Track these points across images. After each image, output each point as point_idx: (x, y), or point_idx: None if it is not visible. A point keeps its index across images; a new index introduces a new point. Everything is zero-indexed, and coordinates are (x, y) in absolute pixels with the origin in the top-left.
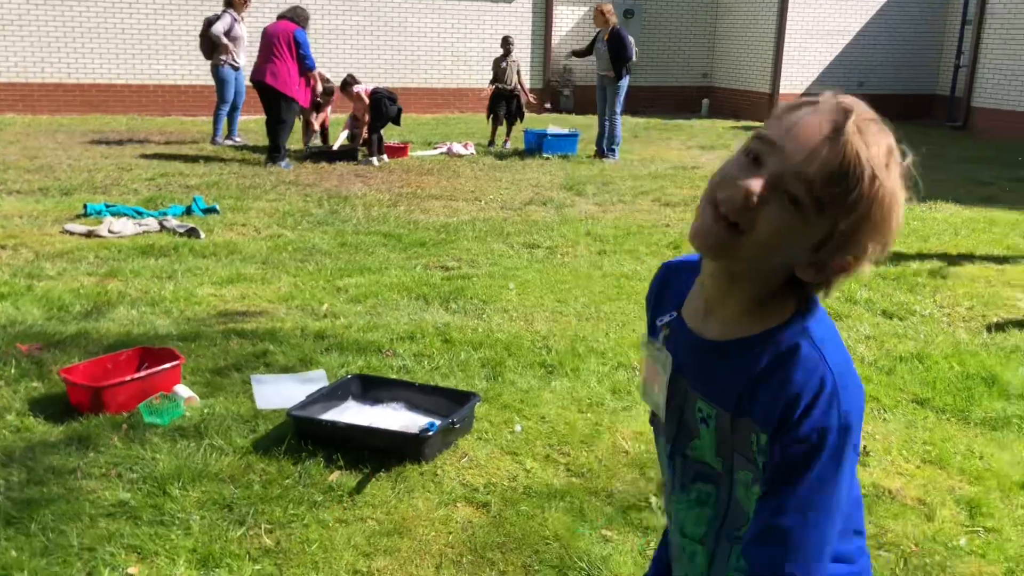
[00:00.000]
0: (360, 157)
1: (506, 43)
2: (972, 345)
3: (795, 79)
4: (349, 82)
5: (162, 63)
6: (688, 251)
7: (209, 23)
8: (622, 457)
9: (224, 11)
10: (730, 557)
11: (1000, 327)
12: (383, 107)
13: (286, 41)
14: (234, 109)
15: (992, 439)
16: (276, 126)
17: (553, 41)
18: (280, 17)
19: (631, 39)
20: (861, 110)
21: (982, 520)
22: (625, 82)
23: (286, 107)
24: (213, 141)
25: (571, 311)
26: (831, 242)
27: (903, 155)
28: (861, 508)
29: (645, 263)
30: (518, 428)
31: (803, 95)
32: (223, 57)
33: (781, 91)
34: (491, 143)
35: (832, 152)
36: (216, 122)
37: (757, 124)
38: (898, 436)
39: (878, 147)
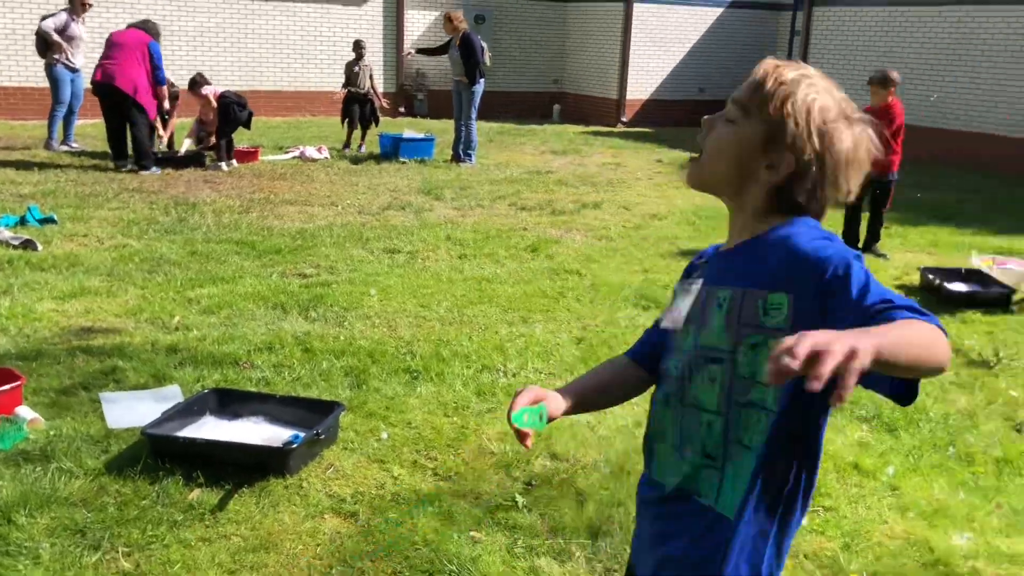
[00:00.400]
0: (208, 162)
1: (358, 47)
2: None
3: (640, 86)
4: (198, 81)
5: None
6: (545, 251)
7: (43, 20)
8: (488, 459)
9: (61, 10)
10: (740, 420)
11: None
12: (231, 112)
13: (140, 51)
14: (70, 112)
15: (830, 425)
16: (133, 131)
17: (404, 45)
18: (131, 26)
19: (483, 44)
20: (787, 62)
21: (820, 500)
22: (480, 87)
23: (138, 113)
24: (47, 146)
25: (434, 316)
26: (771, 145)
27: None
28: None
29: (505, 266)
30: (384, 436)
31: (646, 101)
32: (56, 56)
33: (628, 96)
34: (346, 147)
35: (753, 75)
36: (51, 125)
37: (606, 129)
38: None
39: (790, 69)
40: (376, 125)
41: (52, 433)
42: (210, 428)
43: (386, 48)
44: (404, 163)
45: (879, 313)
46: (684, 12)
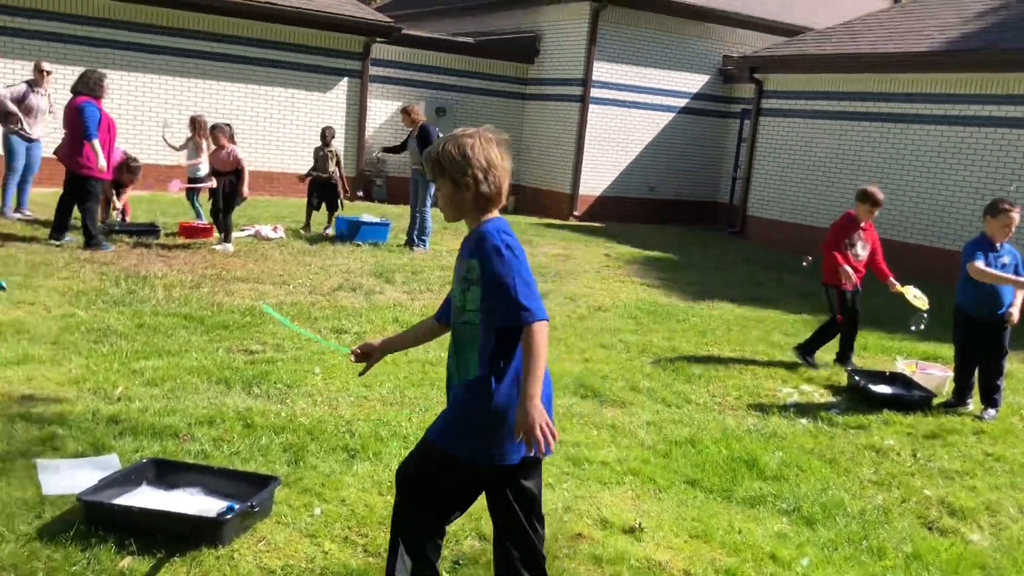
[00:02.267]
0: (216, 243)
1: (324, 135)
2: (738, 431)
3: (593, 182)
4: (225, 131)
5: None
6: None
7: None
8: None
9: (23, 81)
10: (462, 330)
11: (762, 414)
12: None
13: (72, 117)
14: (24, 181)
15: (750, 515)
16: (81, 212)
17: (367, 132)
18: (73, 91)
19: (440, 134)
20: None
21: None
22: None
23: (82, 187)
24: (0, 213)
25: (375, 396)
26: (457, 185)
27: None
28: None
29: (434, 351)
30: (317, 511)
31: (598, 197)
32: (12, 126)
33: (581, 192)
34: (305, 228)
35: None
36: (4, 192)
37: (559, 221)
38: (670, 514)
39: (446, 140)
40: (341, 209)
41: None
42: (146, 497)
43: (347, 134)
44: (359, 246)
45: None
46: (638, 115)
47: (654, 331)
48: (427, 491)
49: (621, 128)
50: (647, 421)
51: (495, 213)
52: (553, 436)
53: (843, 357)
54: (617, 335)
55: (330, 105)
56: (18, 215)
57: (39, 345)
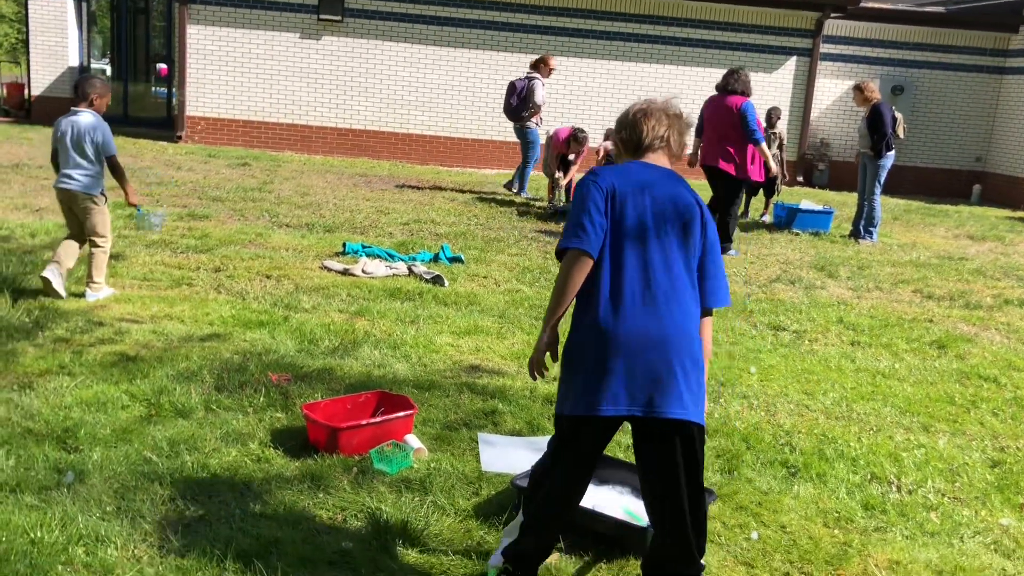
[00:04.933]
0: None
1: (770, 116)
2: None
3: None
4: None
5: (425, 115)
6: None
7: (514, 87)
8: None
9: (532, 76)
10: None
11: None
12: None
13: (726, 116)
14: (527, 165)
15: None
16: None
17: (812, 114)
18: (725, 91)
19: (895, 115)
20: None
21: None
22: (887, 160)
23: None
24: (518, 192)
25: (818, 406)
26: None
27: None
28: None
29: (904, 361)
30: (754, 536)
31: None
32: (533, 120)
33: None
34: (744, 213)
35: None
36: (523, 178)
37: None
38: None
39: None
40: (778, 194)
41: (432, 465)
42: None
43: (791, 115)
44: (797, 235)
45: None
46: None
47: None
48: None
49: None
50: None
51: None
52: (539, 373)
53: None
54: None
55: (776, 85)
56: (525, 195)
57: (488, 317)
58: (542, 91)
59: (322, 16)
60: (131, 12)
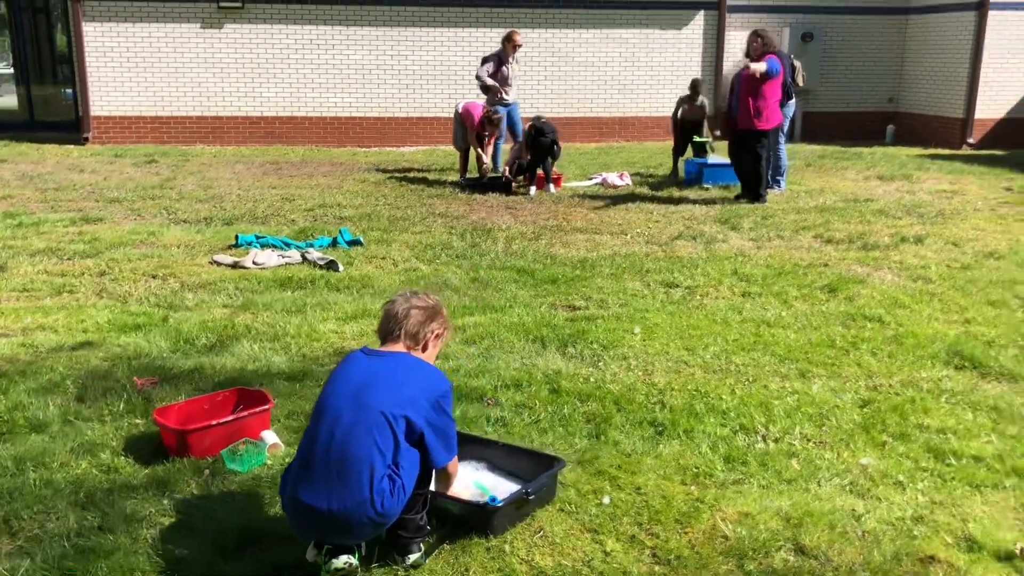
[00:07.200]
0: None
1: (695, 87)
2: None
3: (992, 104)
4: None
5: (337, 97)
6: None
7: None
8: (719, 543)
9: (493, 54)
10: None
11: None
12: (534, 141)
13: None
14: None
15: None
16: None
17: (725, 67)
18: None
19: (795, 63)
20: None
21: None
22: (788, 110)
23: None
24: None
25: (697, 362)
26: None
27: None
28: None
29: (793, 308)
30: (606, 500)
31: (1000, 120)
32: (498, 97)
33: (977, 115)
34: (674, 174)
35: None
36: (496, 155)
37: (947, 152)
38: None
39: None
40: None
41: (287, 460)
42: None
43: (703, 72)
44: (707, 189)
45: None
46: None
47: None
48: None
49: None
50: None
51: None
52: None
53: None
54: (1011, 289)
55: (686, 41)
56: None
57: (380, 299)
58: (482, 69)
59: (222, 4)
60: (29, 11)
